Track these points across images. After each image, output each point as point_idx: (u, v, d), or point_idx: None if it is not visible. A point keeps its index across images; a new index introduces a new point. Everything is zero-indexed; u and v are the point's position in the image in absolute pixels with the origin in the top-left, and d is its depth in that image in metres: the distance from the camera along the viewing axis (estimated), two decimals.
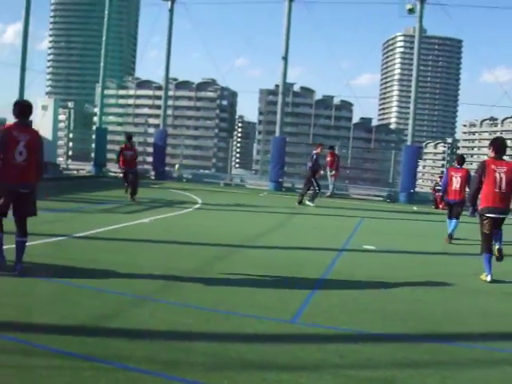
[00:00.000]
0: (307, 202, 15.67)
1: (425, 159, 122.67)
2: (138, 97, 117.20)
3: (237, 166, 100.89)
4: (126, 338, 4.22)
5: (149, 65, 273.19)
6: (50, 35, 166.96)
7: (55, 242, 7.74)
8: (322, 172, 16.79)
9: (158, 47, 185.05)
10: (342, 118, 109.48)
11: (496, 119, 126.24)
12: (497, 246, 7.14)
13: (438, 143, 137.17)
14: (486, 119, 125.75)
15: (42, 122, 19.78)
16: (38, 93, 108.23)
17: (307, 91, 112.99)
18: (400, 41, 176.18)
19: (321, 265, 7.49)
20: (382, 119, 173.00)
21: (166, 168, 23.81)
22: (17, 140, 5.69)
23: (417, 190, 22.66)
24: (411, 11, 19.42)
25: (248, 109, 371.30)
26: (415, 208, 17.81)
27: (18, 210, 5.85)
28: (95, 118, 30.49)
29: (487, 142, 7.91)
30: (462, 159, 11.07)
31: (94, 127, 28.46)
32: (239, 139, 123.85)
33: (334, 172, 19.53)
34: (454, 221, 10.54)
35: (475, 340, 4.80)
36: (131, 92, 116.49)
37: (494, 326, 5.29)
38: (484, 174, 6.99)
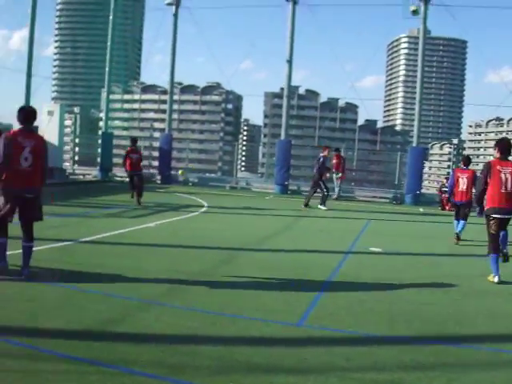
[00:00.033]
0: (319, 206, 15.59)
1: (431, 160, 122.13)
2: (144, 101, 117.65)
3: (242, 169, 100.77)
4: (132, 342, 4.23)
5: (154, 69, 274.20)
6: (56, 41, 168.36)
7: (61, 246, 7.77)
8: (328, 175, 16.74)
9: (162, 52, 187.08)
10: (347, 120, 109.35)
11: (502, 119, 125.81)
12: (504, 250, 7.12)
13: (443, 144, 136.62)
14: (491, 119, 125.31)
15: (48, 127, 19.92)
16: (44, 98, 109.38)
17: (312, 94, 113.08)
18: (404, 42, 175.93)
19: (327, 267, 7.47)
20: (388, 121, 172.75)
21: (172, 172, 23.88)
22: (22, 146, 5.73)
23: (423, 191, 22.58)
24: (415, 12, 19.31)
25: (253, 112, 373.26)
26: (421, 209, 17.74)
27: (24, 215, 5.89)
28: (101, 123, 30.66)
29: (493, 143, 7.89)
30: (468, 160, 11.03)
31: (100, 132, 28.55)
32: (245, 142, 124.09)
33: (340, 174, 19.52)
34: (461, 222, 10.50)
35: (482, 341, 4.77)
36: (136, 97, 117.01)
37: (502, 327, 5.25)
38: (489, 175, 6.98)
